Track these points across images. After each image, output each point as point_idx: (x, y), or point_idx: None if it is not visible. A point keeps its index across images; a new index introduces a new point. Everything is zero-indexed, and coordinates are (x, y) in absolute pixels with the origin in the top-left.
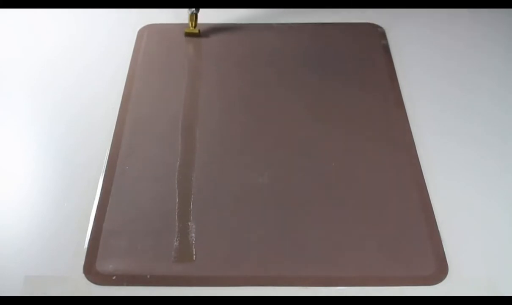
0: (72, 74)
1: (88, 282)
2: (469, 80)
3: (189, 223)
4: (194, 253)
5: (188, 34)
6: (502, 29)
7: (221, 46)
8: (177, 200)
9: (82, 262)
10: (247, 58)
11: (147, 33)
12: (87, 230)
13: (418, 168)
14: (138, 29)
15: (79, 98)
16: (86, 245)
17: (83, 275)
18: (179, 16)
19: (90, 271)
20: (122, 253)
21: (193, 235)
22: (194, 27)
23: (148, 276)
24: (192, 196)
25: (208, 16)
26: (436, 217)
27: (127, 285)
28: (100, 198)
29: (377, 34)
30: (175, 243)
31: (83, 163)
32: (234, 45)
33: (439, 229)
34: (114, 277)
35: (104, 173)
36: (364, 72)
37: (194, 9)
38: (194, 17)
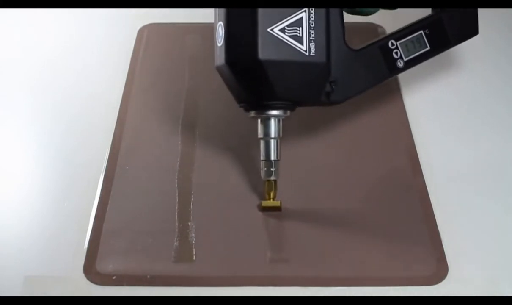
0: (72, 74)
1: (88, 282)
2: (470, 78)
3: (189, 223)
4: (194, 253)
5: (266, 209)
6: (504, 29)
7: None
8: (177, 200)
9: (82, 262)
10: None
11: (147, 33)
12: (87, 230)
13: (418, 168)
14: (138, 29)
15: (79, 98)
16: (86, 245)
17: (83, 275)
18: (179, 16)
19: (90, 271)
20: (122, 253)
21: (193, 235)
22: (274, 197)
23: (148, 276)
24: (192, 196)
25: (210, 15)
26: (436, 217)
27: (127, 285)
28: (100, 198)
29: (377, 34)
30: (175, 243)
31: (83, 163)
32: None
33: (439, 229)
34: (114, 277)
35: (104, 173)
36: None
37: (273, 171)
38: (273, 184)
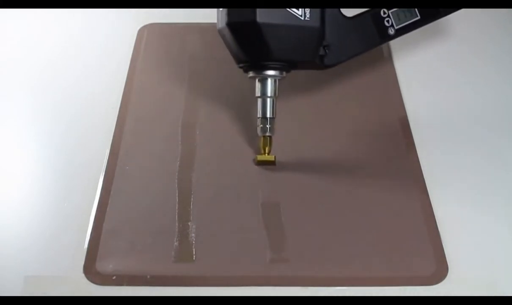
0: (72, 74)
1: (88, 282)
2: (469, 78)
3: (189, 223)
4: (194, 253)
5: (261, 163)
6: (506, 29)
7: (222, 46)
8: (177, 200)
9: (82, 262)
10: None
11: (147, 33)
12: (87, 230)
13: (418, 168)
14: (138, 29)
15: (79, 98)
16: (86, 245)
17: (83, 275)
18: (179, 16)
19: (90, 271)
20: (122, 253)
21: (193, 235)
22: (269, 152)
23: (148, 276)
24: (192, 196)
25: (210, 15)
26: (436, 217)
27: (127, 285)
28: (100, 198)
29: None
30: (175, 243)
31: (83, 163)
32: None
33: (439, 229)
34: (114, 277)
35: (104, 173)
36: (364, 72)
37: (268, 128)
38: (268, 140)
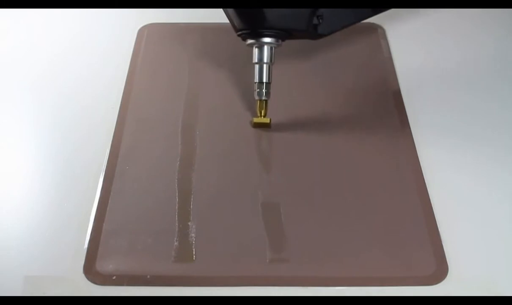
0: (72, 74)
1: (88, 282)
2: (470, 80)
3: (189, 223)
4: (194, 253)
5: (257, 125)
6: (506, 28)
7: (222, 46)
8: (177, 200)
9: (82, 262)
10: (249, 58)
11: (147, 33)
12: (87, 230)
13: (418, 168)
14: (138, 29)
15: (79, 98)
16: (86, 245)
17: (83, 275)
18: (179, 16)
19: (90, 271)
20: (122, 253)
21: (193, 235)
22: (264, 115)
23: (148, 276)
24: (192, 196)
25: (210, 15)
26: (436, 217)
27: (127, 285)
28: (100, 198)
29: (377, 34)
30: (175, 243)
31: (83, 163)
32: (236, 44)
33: (439, 229)
34: (114, 277)
35: (104, 173)
36: (364, 73)
37: (264, 92)
38: (264, 104)
